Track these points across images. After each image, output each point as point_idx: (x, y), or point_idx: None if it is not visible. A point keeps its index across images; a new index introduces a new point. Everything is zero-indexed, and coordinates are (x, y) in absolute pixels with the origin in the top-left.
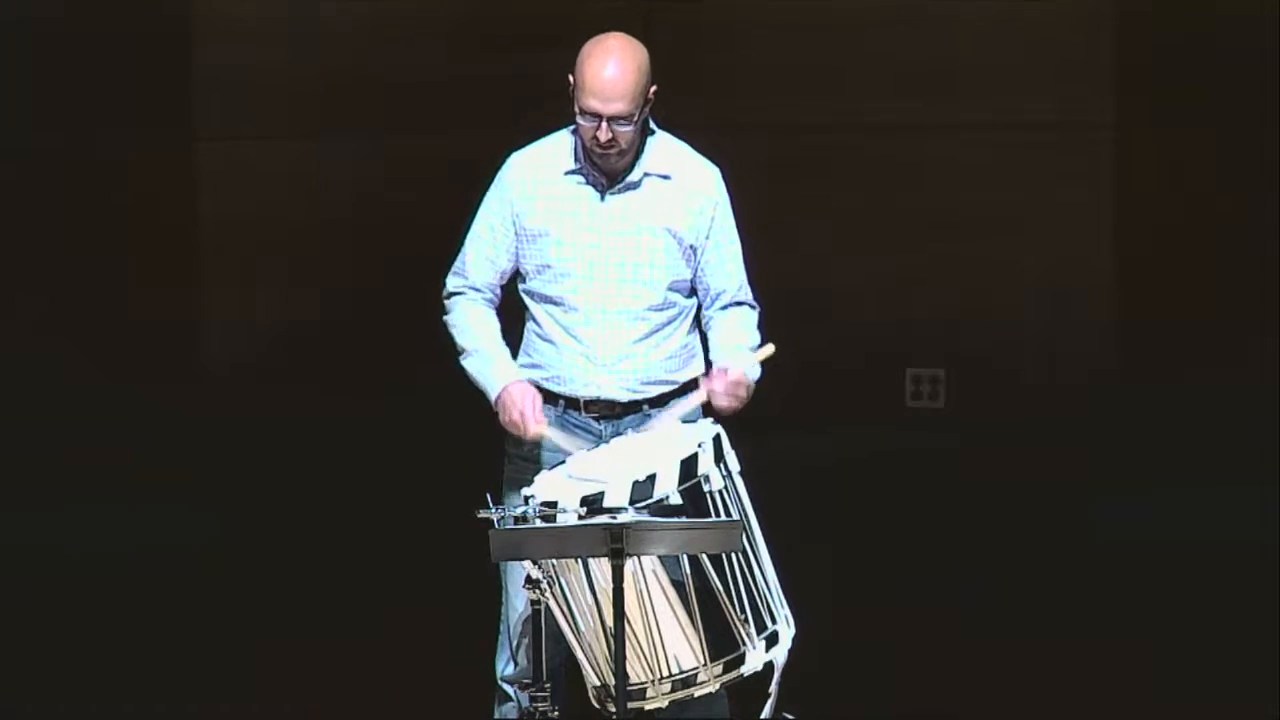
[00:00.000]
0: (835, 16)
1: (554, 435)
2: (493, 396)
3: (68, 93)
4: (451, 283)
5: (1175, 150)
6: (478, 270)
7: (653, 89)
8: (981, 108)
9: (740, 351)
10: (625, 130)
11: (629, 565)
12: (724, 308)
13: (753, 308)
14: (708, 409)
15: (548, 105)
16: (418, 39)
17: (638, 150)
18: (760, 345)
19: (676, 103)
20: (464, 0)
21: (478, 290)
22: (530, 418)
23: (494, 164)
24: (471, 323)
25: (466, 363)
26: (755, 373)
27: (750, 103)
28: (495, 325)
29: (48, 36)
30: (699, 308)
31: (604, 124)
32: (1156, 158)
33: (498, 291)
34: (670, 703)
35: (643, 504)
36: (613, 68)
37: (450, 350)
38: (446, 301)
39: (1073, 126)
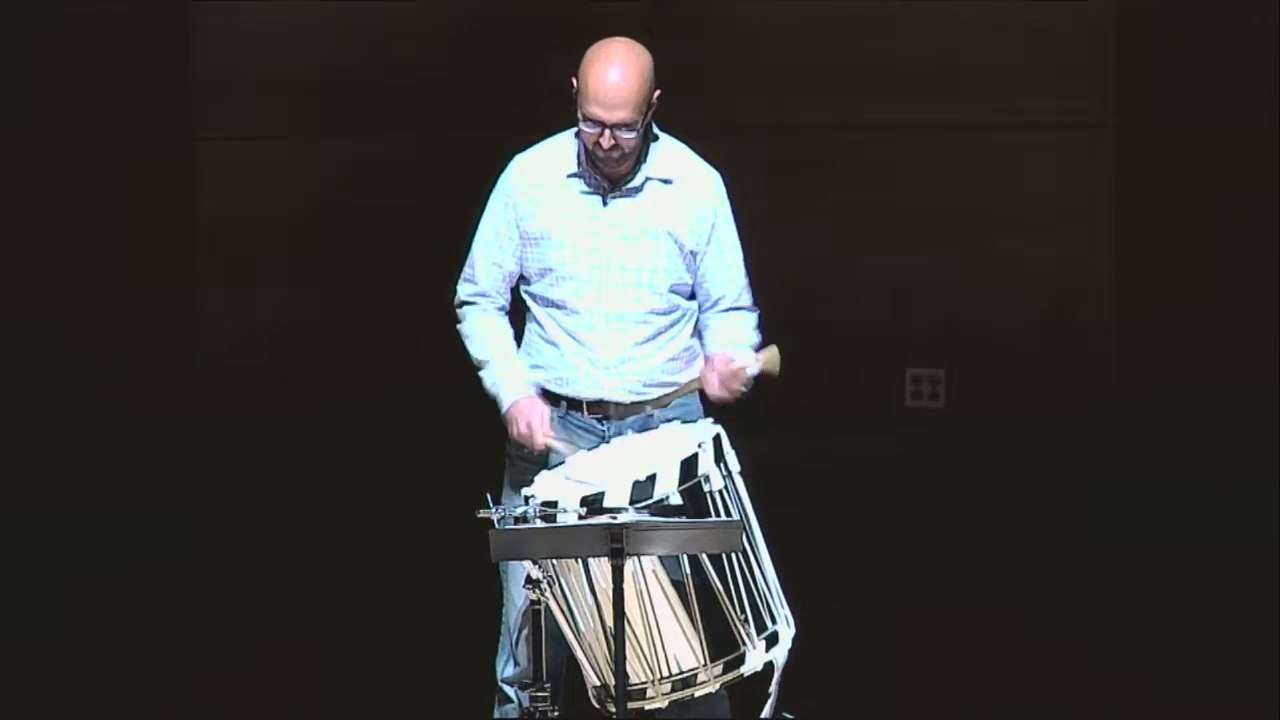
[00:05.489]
0: (835, 16)
1: (561, 446)
2: (504, 409)
3: (68, 93)
4: (462, 290)
5: (1175, 150)
6: (485, 275)
7: (656, 94)
8: (981, 108)
9: (741, 347)
10: (628, 137)
11: (629, 565)
12: (723, 312)
13: (751, 312)
14: (704, 403)
15: (548, 106)
16: (418, 39)
17: (641, 154)
18: (762, 347)
19: (677, 103)
20: (464, 0)
21: (487, 296)
22: (538, 431)
23: (494, 164)
24: (485, 334)
25: (482, 374)
26: (754, 369)
27: (750, 103)
28: (508, 335)
29: (48, 36)
30: (699, 309)
31: (607, 131)
32: (1156, 158)
33: (507, 295)
34: (670, 703)
35: (643, 504)
36: (616, 75)
37: (450, 350)
38: (459, 310)
39: (1073, 126)
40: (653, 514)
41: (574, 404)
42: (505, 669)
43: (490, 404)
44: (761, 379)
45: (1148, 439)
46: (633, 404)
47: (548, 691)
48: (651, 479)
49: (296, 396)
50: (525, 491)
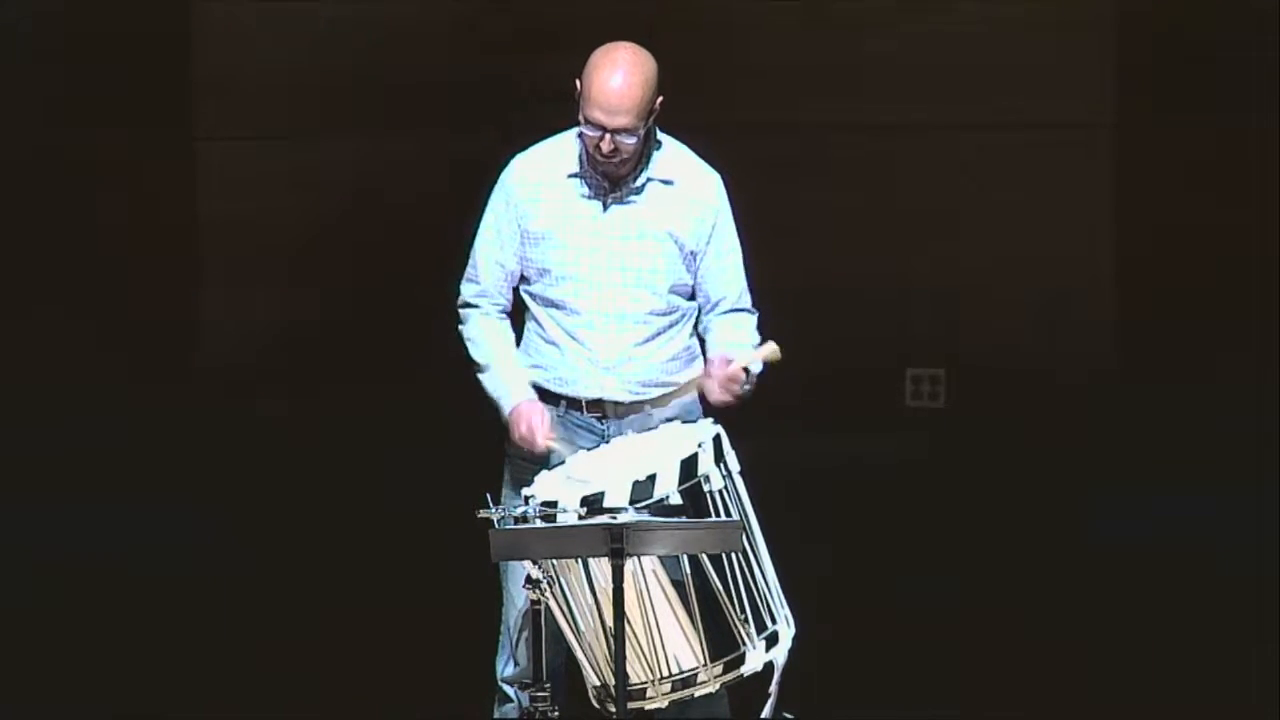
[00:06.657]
0: (835, 16)
1: (561, 447)
2: (505, 413)
3: (68, 93)
4: (465, 290)
5: (1175, 150)
6: (488, 274)
7: (659, 100)
8: (981, 108)
9: (742, 347)
10: (628, 143)
11: (629, 565)
12: (723, 314)
13: (751, 313)
14: (704, 404)
15: (547, 106)
16: (418, 39)
17: (643, 157)
18: (761, 344)
19: (676, 103)
20: (464, 0)
21: (489, 297)
22: (539, 433)
23: (494, 164)
24: (487, 339)
25: (482, 378)
26: (756, 369)
27: (750, 103)
28: (509, 339)
29: (48, 36)
30: (699, 311)
31: (607, 136)
32: (1156, 158)
33: (509, 295)
34: (670, 703)
35: (643, 504)
36: (620, 81)
37: (451, 349)
38: (461, 311)
39: (1073, 126)
40: (653, 514)
41: (573, 403)
42: (505, 669)
43: (491, 404)
44: (767, 373)
45: (1148, 439)
46: (632, 404)
47: (548, 691)
48: (651, 479)
49: (296, 396)
50: (525, 491)
